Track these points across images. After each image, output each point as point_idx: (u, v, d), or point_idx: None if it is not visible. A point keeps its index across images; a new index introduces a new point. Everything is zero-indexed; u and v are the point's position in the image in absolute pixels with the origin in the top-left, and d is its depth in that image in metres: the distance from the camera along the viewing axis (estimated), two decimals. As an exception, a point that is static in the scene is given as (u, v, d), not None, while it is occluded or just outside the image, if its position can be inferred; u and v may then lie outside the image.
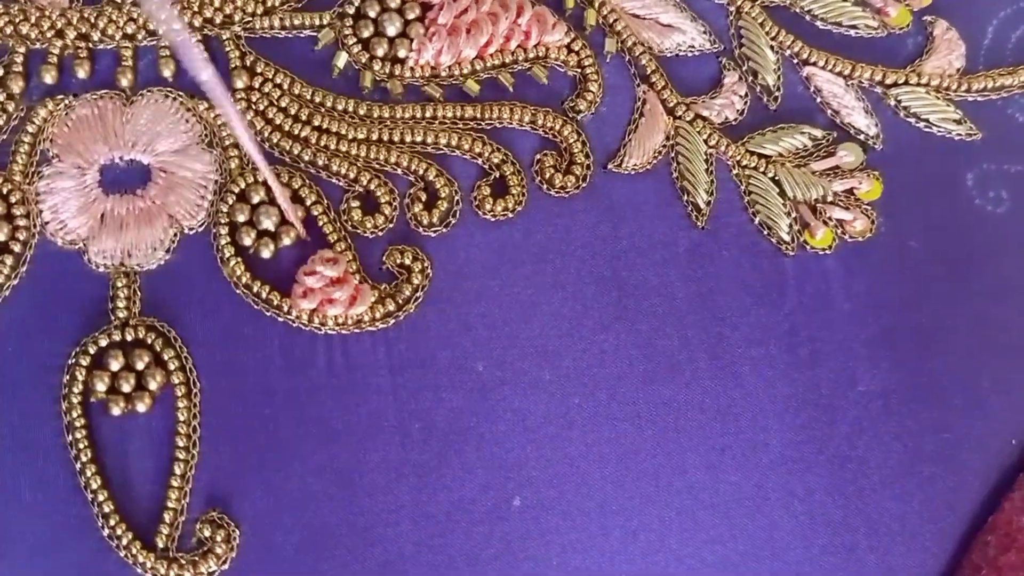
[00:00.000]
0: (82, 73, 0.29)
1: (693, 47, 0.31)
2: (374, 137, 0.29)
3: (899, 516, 0.29)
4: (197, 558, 0.26)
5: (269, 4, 0.30)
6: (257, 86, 0.30)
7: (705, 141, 0.30)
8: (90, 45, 0.30)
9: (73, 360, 0.27)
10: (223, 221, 0.28)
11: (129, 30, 0.29)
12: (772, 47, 0.31)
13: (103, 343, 0.27)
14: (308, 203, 0.29)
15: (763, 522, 0.28)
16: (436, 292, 0.28)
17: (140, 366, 0.27)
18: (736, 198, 0.30)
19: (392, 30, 0.30)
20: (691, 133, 0.30)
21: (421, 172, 0.29)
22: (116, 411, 0.26)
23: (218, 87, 0.23)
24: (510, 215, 0.29)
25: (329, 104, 0.30)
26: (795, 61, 0.32)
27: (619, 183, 0.30)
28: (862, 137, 0.31)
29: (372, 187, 0.29)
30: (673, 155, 0.30)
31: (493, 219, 0.29)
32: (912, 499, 0.29)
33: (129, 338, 0.27)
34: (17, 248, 0.27)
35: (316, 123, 0.29)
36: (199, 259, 0.28)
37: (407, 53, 0.30)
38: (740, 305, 0.29)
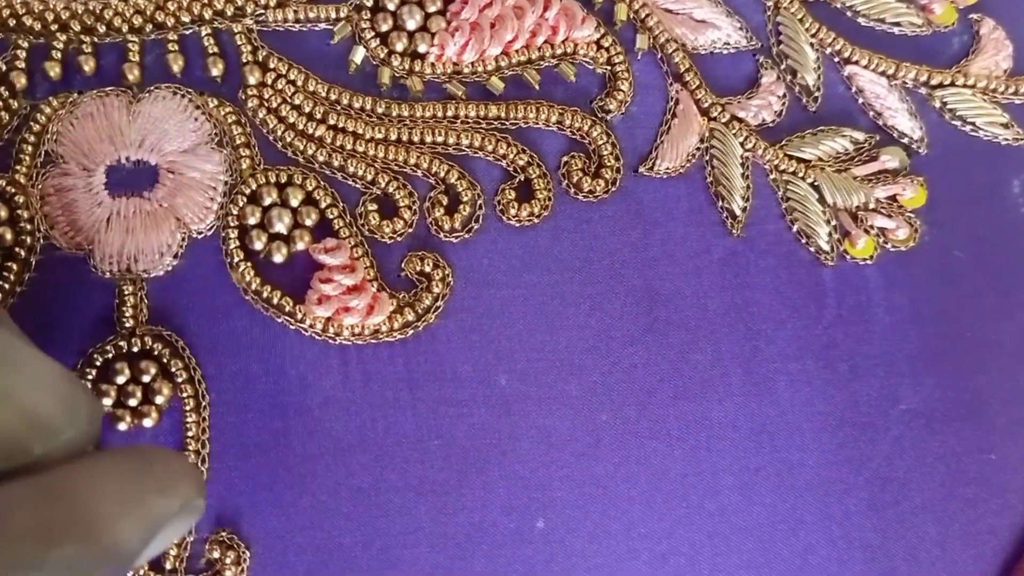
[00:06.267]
0: (87, 68, 0.28)
1: (728, 44, 0.30)
2: (393, 137, 0.28)
3: (939, 540, 0.27)
4: (206, 580, 0.25)
5: (283, -4, 0.29)
6: (270, 82, 0.28)
7: (741, 144, 0.29)
8: (95, 39, 0.28)
9: (79, 373, 0.26)
10: (233, 224, 0.27)
11: (136, 23, 0.28)
12: (812, 45, 0.30)
13: (109, 354, 0.26)
14: (323, 206, 0.27)
15: (798, 546, 0.27)
16: (457, 301, 0.27)
17: (147, 379, 0.25)
18: (773, 204, 0.29)
19: (412, 24, 0.29)
20: (726, 135, 0.29)
21: (442, 174, 0.28)
22: (123, 426, 0.25)
23: None
24: (536, 220, 0.28)
25: (345, 102, 0.28)
26: (836, 60, 0.30)
27: (650, 187, 0.28)
28: (906, 140, 0.30)
29: (390, 190, 0.28)
30: (707, 158, 0.29)
31: (518, 225, 0.28)
32: (953, 523, 0.28)
33: (136, 348, 0.26)
34: (22, 253, 0.26)
35: (332, 122, 0.28)
36: (208, 264, 0.27)
37: (428, 48, 0.29)
38: (776, 317, 0.28)
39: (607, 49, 0.29)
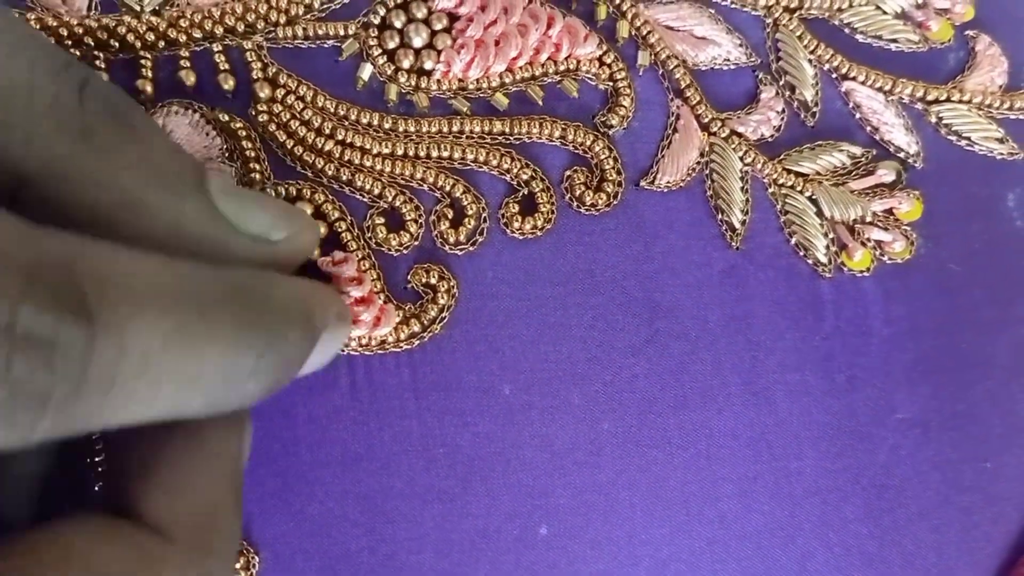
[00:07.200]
0: (101, 84, 0.28)
1: (729, 60, 0.30)
2: (399, 152, 0.29)
3: (935, 547, 0.28)
4: (216, 585, 0.25)
5: (292, 13, 0.29)
6: (280, 98, 0.29)
7: (740, 158, 0.29)
8: (108, 55, 0.29)
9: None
10: (244, 237, 0.27)
11: (149, 39, 0.29)
12: (810, 61, 0.30)
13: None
14: (331, 219, 0.28)
15: (796, 553, 0.27)
16: (462, 313, 0.28)
17: (159, 387, 0.26)
18: (772, 217, 0.29)
19: (418, 41, 0.29)
20: (726, 150, 0.29)
21: (448, 188, 0.28)
22: (135, 434, 0.26)
23: None
24: (539, 233, 0.28)
25: (353, 117, 0.29)
26: (834, 76, 0.31)
27: (652, 201, 0.29)
28: (902, 155, 0.30)
29: (397, 203, 0.28)
30: (707, 172, 0.29)
31: (521, 237, 0.28)
32: (949, 530, 0.28)
33: (148, 358, 0.26)
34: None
35: (340, 137, 0.29)
36: (220, 276, 0.27)
37: (434, 65, 0.29)
38: (775, 329, 0.28)
39: (609, 65, 0.30)
